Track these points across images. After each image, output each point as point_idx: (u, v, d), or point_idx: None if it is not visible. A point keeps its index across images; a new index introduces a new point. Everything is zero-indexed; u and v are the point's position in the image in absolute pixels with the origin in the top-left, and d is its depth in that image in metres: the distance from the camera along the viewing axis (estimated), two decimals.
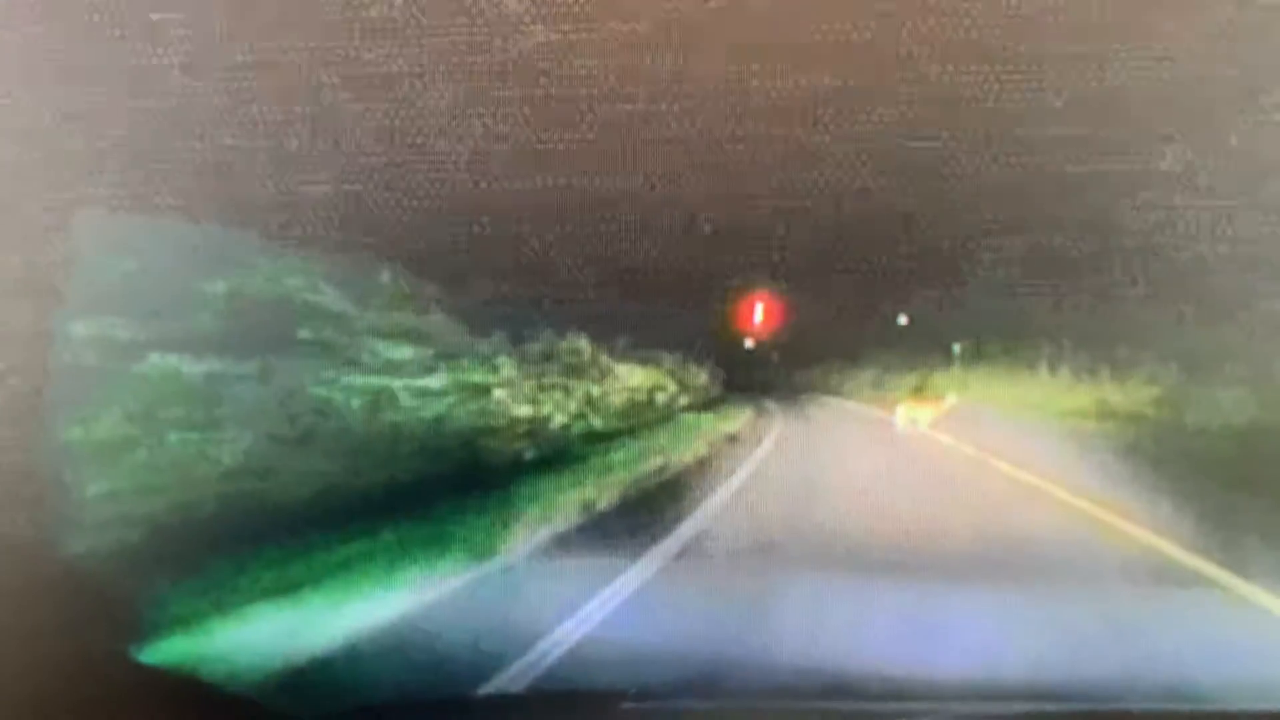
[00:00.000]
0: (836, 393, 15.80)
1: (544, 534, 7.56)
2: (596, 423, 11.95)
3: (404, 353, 8.86)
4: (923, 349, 13.52)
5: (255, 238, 6.52)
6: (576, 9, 4.54)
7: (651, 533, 7.62)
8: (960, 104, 5.17)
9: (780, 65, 4.87)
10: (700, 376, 15.37)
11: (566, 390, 11.33)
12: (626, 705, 3.79)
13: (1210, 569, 6.68)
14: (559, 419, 11.04)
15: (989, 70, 4.87)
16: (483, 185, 5.59)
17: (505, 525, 7.44)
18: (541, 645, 5.20)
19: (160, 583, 5.35)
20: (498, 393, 9.98)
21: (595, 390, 12.03)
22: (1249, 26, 4.58)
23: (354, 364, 8.35)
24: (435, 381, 9.20)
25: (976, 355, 13.26)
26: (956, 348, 13.33)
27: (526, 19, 4.58)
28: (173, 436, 6.53)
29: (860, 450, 12.73)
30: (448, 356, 9.39)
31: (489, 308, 9.20)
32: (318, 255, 7.50)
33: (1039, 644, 4.91)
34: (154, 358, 6.48)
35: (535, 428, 10.47)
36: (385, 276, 8.64)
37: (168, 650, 4.79)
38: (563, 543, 7.47)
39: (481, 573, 6.52)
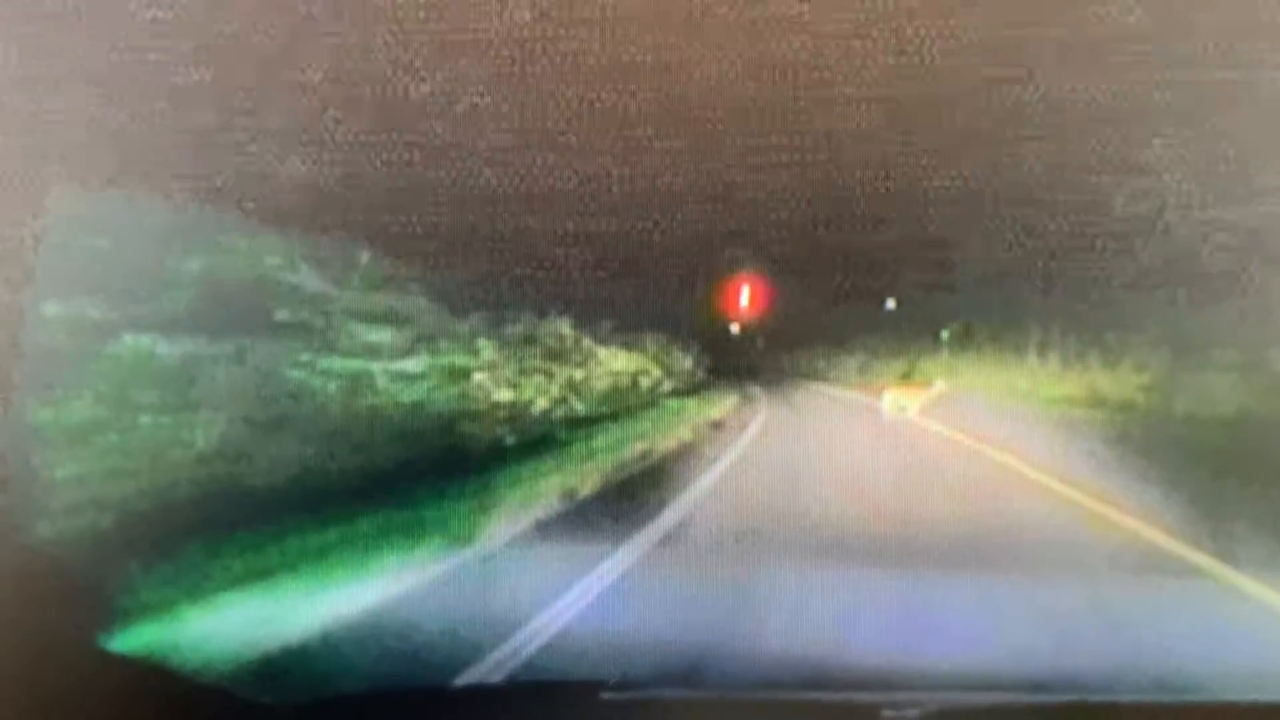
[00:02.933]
0: (823, 378, 15.86)
1: (524, 521, 7.55)
2: (579, 407, 11.98)
3: (383, 335, 8.86)
4: (910, 334, 13.60)
5: (231, 216, 6.48)
6: None
7: (633, 520, 7.60)
8: (949, 90, 5.18)
9: (769, 51, 4.86)
10: (685, 361, 15.43)
11: (548, 374, 11.36)
12: (606, 695, 3.73)
13: (1199, 558, 6.71)
14: (540, 403, 11.06)
15: (979, 56, 4.86)
16: (463, 165, 5.58)
17: (485, 512, 7.42)
18: (521, 634, 5.17)
19: (130, 569, 5.29)
20: (478, 376, 9.98)
21: (577, 374, 12.07)
22: (1242, 15, 4.58)
23: (331, 346, 8.32)
24: (414, 365, 9.19)
25: (965, 341, 13.33)
26: (945, 333, 13.39)
27: (511, 2, 4.56)
28: (145, 419, 6.48)
29: (846, 437, 12.78)
30: (427, 339, 9.40)
31: (470, 290, 9.21)
32: (295, 234, 7.49)
33: (1026, 633, 4.93)
34: (127, 338, 6.44)
35: (516, 412, 10.49)
36: (364, 257, 8.63)
37: (138, 638, 4.72)
38: (543, 530, 7.46)
39: (460, 560, 6.50)
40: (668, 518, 8.02)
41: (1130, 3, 4.61)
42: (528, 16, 4.69)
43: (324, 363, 8.16)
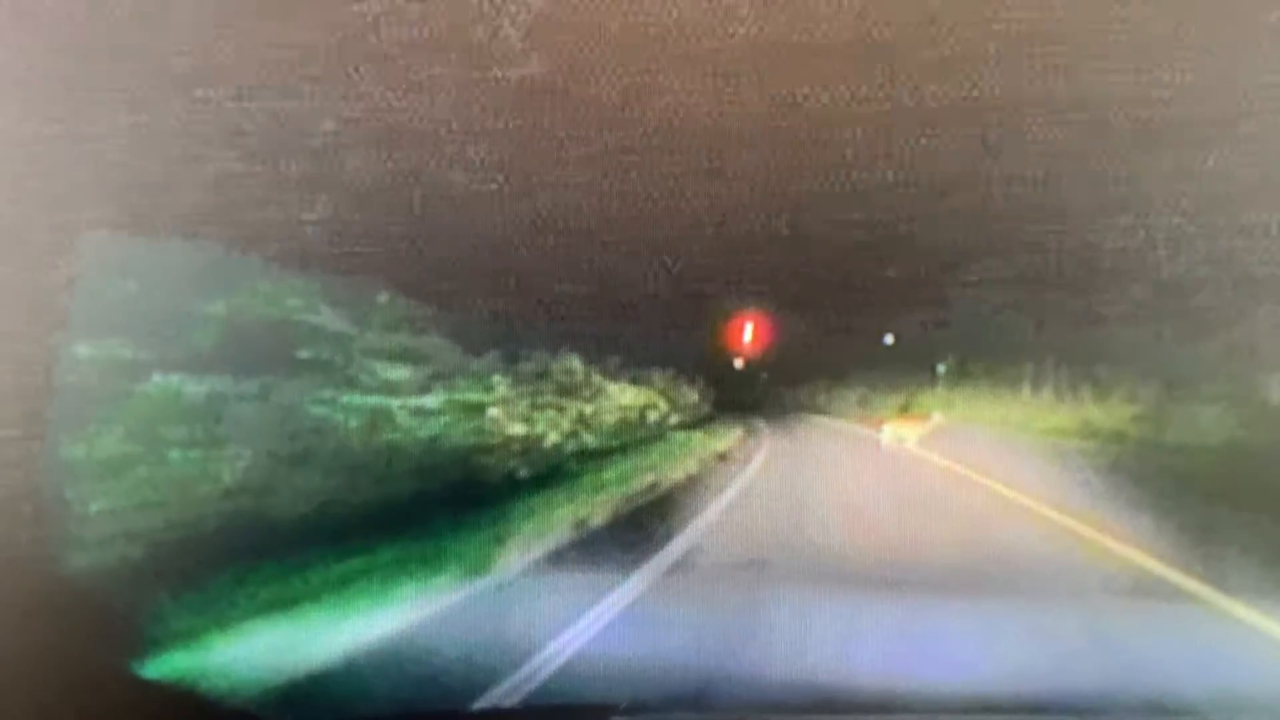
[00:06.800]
0: (824, 411, 15.86)
1: (537, 551, 7.60)
2: (589, 441, 11.97)
3: (401, 373, 8.92)
4: (908, 368, 13.62)
5: (255, 260, 6.58)
6: (570, 42, 4.61)
7: (643, 549, 7.64)
8: (945, 130, 5.25)
9: (770, 94, 4.95)
10: (691, 395, 15.43)
11: (560, 409, 11.35)
12: (617, 719, 3.84)
13: (1191, 583, 6.71)
14: (552, 437, 11.07)
15: (974, 97, 4.95)
16: (478, 209, 5.66)
17: (500, 542, 7.49)
18: (535, 660, 5.22)
19: (160, 598, 5.42)
20: (492, 411, 10.01)
21: (588, 409, 12.06)
22: (1229, 53, 4.68)
23: (352, 384, 8.42)
24: (432, 401, 9.25)
25: (961, 374, 13.34)
26: (941, 367, 13.42)
27: (522, 50, 4.65)
28: (174, 454, 6.59)
29: (847, 468, 12.76)
30: (444, 376, 9.43)
31: (484, 328, 9.25)
32: (317, 277, 7.55)
33: (1023, 657, 4.95)
34: (156, 377, 6.54)
35: (529, 446, 10.50)
36: (383, 298, 8.67)
37: (167, 665, 4.84)
38: (556, 559, 7.51)
39: (476, 589, 6.55)
40: (676, 547, 8.05)
41: (1120, 46, 4.70)
42: (539, 65, 4.80)
43: (345, 399, 8.24)
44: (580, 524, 8.70)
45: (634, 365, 13.50)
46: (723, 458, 13.50)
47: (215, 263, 6.48)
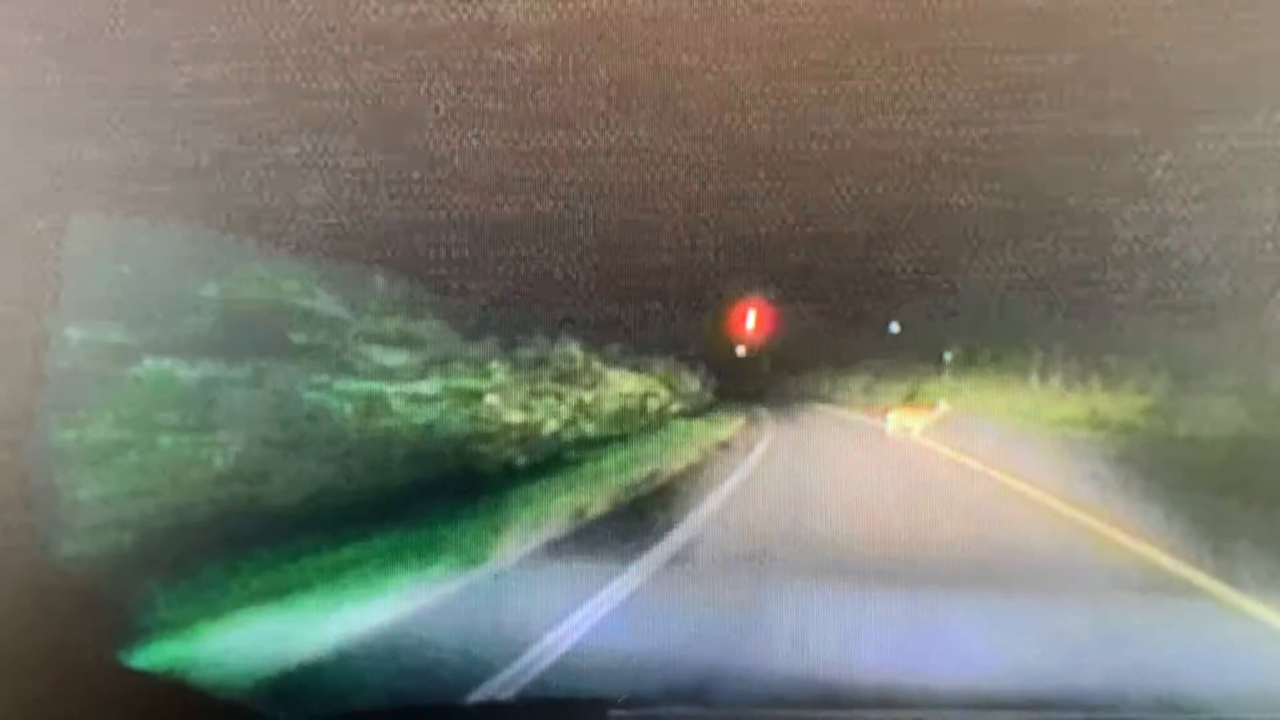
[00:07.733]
0: (828, 400, 15.80)
1: (535, 540, 7.55)
2: (588, 429, 11.93)
3: (397, 358, 8.88)
4: (914, 357, 13.53)
5: (249, 243, 6.53)
6: (571, 23, 4.56)
7: (643, 540, 7.61)
8: (951, 115, 5.21)
9: (772, 77, 4.91)
10: (692, 383, 15.37)
11: (559, 396, 11.32)
12: (615, 713, 3.81)
13: (1201, 578, 6.69)
14: (551, 425, 11.04)
15: (980, 81, 4.91)
16: (476, 193, 5.63)
17: (496, 531, 7.43)
18: (532, 652, 5.22)
19: (151, 586, 5.36)
20: (490, 398, 9.97)
21: (587, 396, 12.03)
22: (1241, 36, 4.62)
23: (347, 369, 8.37)
24: (428, 387, 9.20)
25: (968, 363, 13.27)
26: (948, 355, 13.34)
27: (522, 31, 4.61)
28: (165, 440, 6.54)
29: (852, 458, 12.75)
30: (440, 362, 9.40)
31: (482, 313, 9.22)
32: (312, 260, 7.52)
33: (1031, 652, 4.94)
34: (148, 361, 6.49)
35: (527, 434, 10.47)
36: (379, 282, 8.65)
37: (158, 654, 4.81)
38: (554, 549, 7.45)
39: (472, 579, 6.53)
40: (676, 537, 8.01)
41: (1130, 32, 4.66)
42: (539, 49, 4.76)
43: (340, 385, 8.19)
44: (579, 513, 8.67)
45: (635, 352, 13.44)
46: (724, 446, 13.48)
47: (209, 246, 6.44)
